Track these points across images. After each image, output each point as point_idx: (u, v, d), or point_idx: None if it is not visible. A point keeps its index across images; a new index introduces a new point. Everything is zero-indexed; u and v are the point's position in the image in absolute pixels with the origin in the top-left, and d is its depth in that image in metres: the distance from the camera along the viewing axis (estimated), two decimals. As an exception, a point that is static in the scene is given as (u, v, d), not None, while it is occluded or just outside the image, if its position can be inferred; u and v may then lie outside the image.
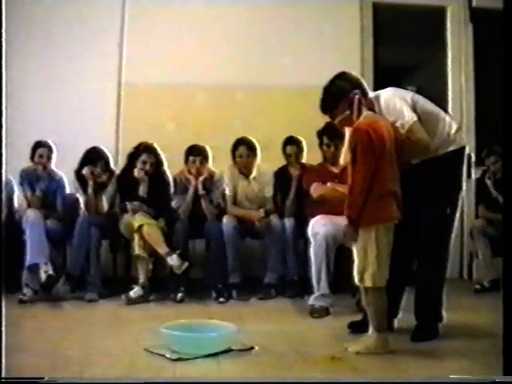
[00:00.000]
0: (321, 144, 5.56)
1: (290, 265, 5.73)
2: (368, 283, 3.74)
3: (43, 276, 5.32)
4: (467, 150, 4.23)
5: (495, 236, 6.12)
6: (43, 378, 2.66)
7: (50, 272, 5.34)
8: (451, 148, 4.06)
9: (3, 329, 2.68)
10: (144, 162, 5.84)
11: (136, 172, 5.81)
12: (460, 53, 7.13)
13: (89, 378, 2.77)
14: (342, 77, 4.06)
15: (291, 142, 6.08)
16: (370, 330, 3.83)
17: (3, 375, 2.53)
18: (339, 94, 3.97)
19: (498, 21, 7.25)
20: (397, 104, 3.97)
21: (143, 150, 5.87)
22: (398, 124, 3.91)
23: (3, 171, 3.07)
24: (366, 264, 3.73)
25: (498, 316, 5.07)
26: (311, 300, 4.99)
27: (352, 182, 3.73)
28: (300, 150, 6.05)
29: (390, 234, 3.78)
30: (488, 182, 6.16)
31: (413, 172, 4.01)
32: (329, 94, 4.03)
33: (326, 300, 4.94)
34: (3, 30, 2.83)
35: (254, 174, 6.07)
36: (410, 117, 3.92)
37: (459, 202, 4.21)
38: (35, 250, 5.41)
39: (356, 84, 4.03)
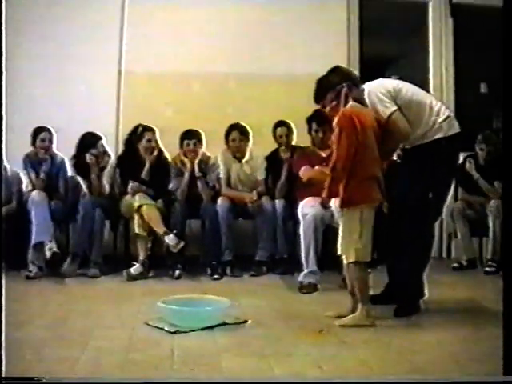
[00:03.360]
0: (310, 130, 5.58)
1: (280, 243, 5.75)
2: (352, 258, 3.83)
3: (48, 253, 5.34)
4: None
5: (474, 218, 6.16)
6: (44, 378, 2.64)
7: (55, 249, 5.37)
8: (437, 136, 4.07)
9: (3, 303, 2.66)
10: (149, 140, 5.85)
11: (142, 150, 5.84)
12: (441, 45, 7.14)
13: (89, 377, 2.77)
14: (334, 71, 4.12)
15: (281, 124, 6.08)
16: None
17: (3, 375, 2.51)
18: (328, 86, 4.05)
19: (476, 15, 7.30)
20: (376, 97, 4.03)
21: (144, 129, 5.87)
22: (378, 116, 3.99)
23: (4, 161, 3.06)
24: (351, 241, 3.83)
25: (473, 291, 5.16)
26: (300, 277, 5.01)
27: (335, 160, 3.84)
28: (290, 131, 6.05)
29: (372, 214, 3.88)
30: (468, 165, 6.15)
31: (402, 159, 4.13)
32: (319, 85, 4.11)
33: (314, 277, 4.97)
34: (3, 17, 2.79)
35: (246, 157, 6.06)
36: (387, 108, 3.99)
37: (448, 188, 4.28)
38: (40, 230, 5.43)
39: (347, 78, 4.07)
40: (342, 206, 3.88)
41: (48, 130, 5.85)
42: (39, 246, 5.40)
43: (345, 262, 3.89)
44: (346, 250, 3.85)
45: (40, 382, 2.60)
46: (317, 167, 4.87)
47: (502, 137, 3.18)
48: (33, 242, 5.38)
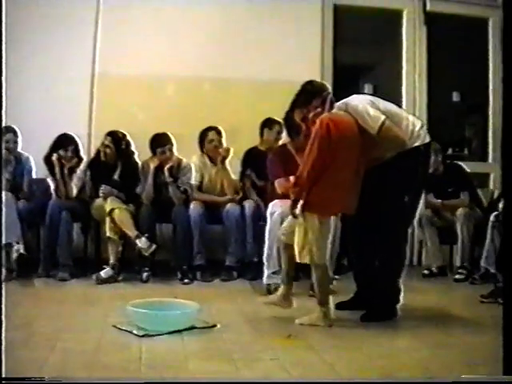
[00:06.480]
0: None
1: (250, 248, 5.73)
2: (306, 260, 3.88)
3: (14, 254, 5.30)
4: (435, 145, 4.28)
5: (442, 225, 6.20)
6: (44, 378, 2.62)
7: (21, 251, 5.35)
8: (416, 144, 4.12)
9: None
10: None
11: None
12: (414, 53, 7.21)
13: (89, 377, 2.76)
14: (313, 80, 4.19)
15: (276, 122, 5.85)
16: None
17: (3, 375, 2.48)
18: (314, 92, 4.12)
19: (449, 24, 7.38)
20: (363, 108, 4.01)
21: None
22: (368, 126, 3.96)
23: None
24: (306, 243, 3.86)
25: (442, 297, 5.20)
26: (265, 279, 5.03)
27: (303, 166, 3.86)
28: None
29: (332, 221, 3.97)
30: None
31: (382, 166, 4.11)
32: (305, 91, 4.15)
33: (278, 277, 4.84)
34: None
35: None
36: (377, 117, 3.97)
37: (421, 194, 4.41)
38: (8, 231, 5.36)
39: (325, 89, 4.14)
40: (303, 209, 3.88)
41: (13, 132, 5.83)
42: (8, 248, 5.33)
43: (297, 260, 3.93)
44: (300, 250, 3.88)
45: (40, 382, 2.58)
46: (291, 178, 4.90)
47: (502, 139, 3.18)
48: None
